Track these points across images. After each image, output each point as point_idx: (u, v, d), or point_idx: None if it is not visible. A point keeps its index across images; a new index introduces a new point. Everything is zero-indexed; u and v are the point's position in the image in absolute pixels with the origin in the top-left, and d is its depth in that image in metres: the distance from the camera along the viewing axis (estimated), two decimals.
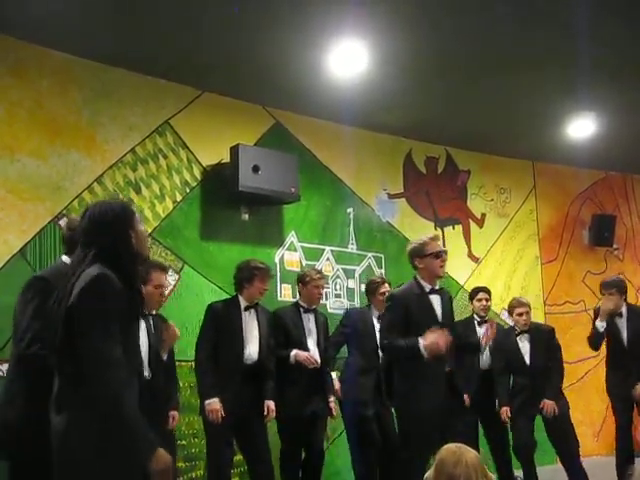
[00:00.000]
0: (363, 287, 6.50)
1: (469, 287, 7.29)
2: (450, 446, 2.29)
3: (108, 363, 2.29)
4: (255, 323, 4.73)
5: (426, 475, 2.30)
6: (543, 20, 4.78)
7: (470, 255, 7.54)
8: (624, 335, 5.70)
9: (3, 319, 4.48)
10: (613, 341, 5.78)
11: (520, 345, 5.60)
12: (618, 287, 5.75)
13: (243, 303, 4.70)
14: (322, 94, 5.86)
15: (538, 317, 7.59)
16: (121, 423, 2.28)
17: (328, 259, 6.43)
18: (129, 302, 2.47)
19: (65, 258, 3.34)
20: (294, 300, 5.42)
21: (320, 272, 5.33)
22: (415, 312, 4.27)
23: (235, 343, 4.59)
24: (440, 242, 4.48)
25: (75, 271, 2.45)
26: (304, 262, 6.23)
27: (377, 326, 5.34)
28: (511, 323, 5.89)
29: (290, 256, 6.17)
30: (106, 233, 2.50)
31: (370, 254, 6.77)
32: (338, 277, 6.46)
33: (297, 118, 6.34)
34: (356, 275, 6.62)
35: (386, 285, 5.47)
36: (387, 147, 7.06)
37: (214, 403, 4.42)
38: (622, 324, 5.73)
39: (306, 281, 5.11)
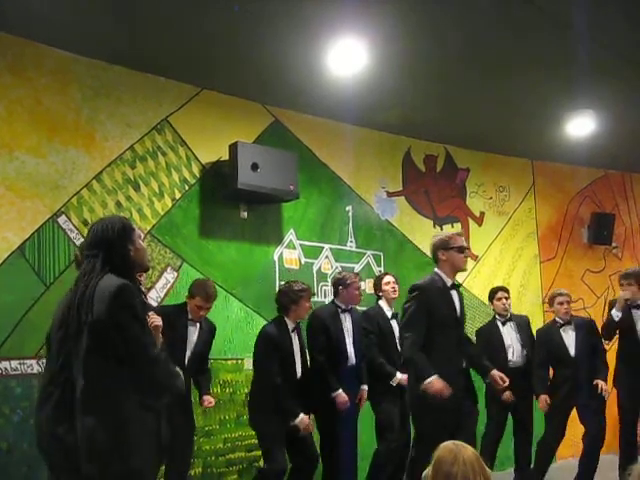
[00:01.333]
0: (362, 285, 6.50)
1: (468, 285, 7.31)
2: (447, 444, 2.29)
3: (157, 361, 2.72)
4: (297, 342, 5.04)
5: (424, 473, 2.29)
6: (543, 19, 4.77)
7: (469, 253, 7.52)
8: (639, 327, 5.71)
9: (2, 317, 4.51)
10: (627, 333, 5.78)
11: (564, 337, 5.69)
12: (637, 278, 5.75)
13: (290, 325, 4.98)
14: (321, 92, 5.85)
15: (537, 315, 7.60)
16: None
17: (327, 257, 6.43)
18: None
19: None
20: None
21: (357, 274, 5.70)
22: (438, 306, 4.29)
23: (288, 364, 4.91)
24: (464, 239, 4.57)
25: (88, 281, 2.71)
26: (303, 260, 6.23)
27: (393, 324, 5.56)
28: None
29: (289, 254, 6.17)
30: (108, 247, 2.80)
31: (369, 252, 6.77)
32: None
33: (296, 116, 6.34)
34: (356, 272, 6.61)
35: (390, 276, 5.73)
36: (386, 145, 7.06)
37: (305, 419, 4.82)
38: (638, 316, 5.73)
39: (347, 283, 5.32)
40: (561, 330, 5.75)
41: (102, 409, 2.60)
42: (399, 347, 5.39)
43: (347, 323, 5.32)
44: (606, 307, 8.13)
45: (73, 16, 4.53)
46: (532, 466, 5.90)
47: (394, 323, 5.53)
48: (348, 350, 5.23)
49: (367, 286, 6.47)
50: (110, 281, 2.67)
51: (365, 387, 5.35)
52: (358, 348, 5.29)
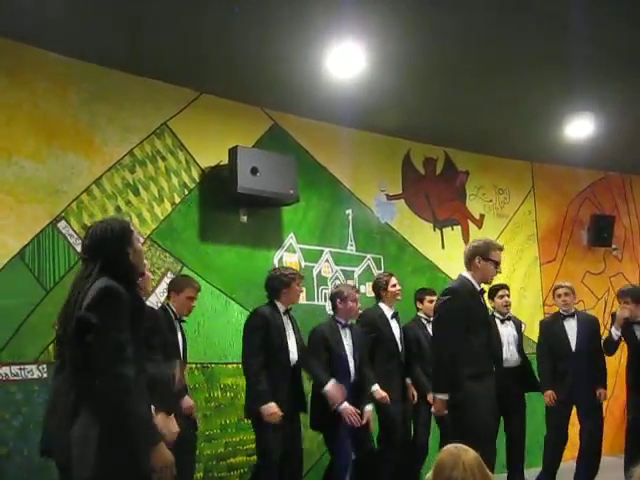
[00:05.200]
0: (362, 288, 6.50)
1: None
2: (449, 447, 2.27)
3: (111, 373, 2.47)
4: (291, 326, 4.94)
5: (426, 476, 2.28)
6: (541, 21, 4.78)
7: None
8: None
9: (2, 322, 4.50)
10: (632, 348, 5.81)
11: (567, 329, 5.76)
12: (633, 296, 5.76)
13: (282, 308, 4.90)
14: (320, 95, 5.86)
15: (537, 318, 7.57)
16: (122, 423, 2.46)
17: (327, 260, 6.42)
18: (134, 310, 2.67)
19: None
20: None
21: (354, 286, 5.52)
22: (471, 308, 4.26)
23: (281, 348, 4.82)
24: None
25: (83, 285, 2.65)
26: (303, 264, 6.22)
27: (393, 325, 5.51)
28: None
29: (289, 258, 6.16)
30: (107, 250, 2.72)
31: (369, 255, 6.76)
32: (337, 278, 6.45)
33: (295, 120, 6.34)
34: (355, 276, 6.61)
35: (394, 278, 5.64)
36: (385, 148, 7.05)
37: (273, 407, 4.59)
38: (639, 330, 5.76)
39: (345, 296, 5.16)
40: (564, 322, 5.78)
41: (88, 409, 2.53)
42: (399, 347, 5.48)
43: (347, 339, 5.17)
44: (606, 308, 8.17)
45: (71, 21, 4.53)
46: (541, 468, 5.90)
47: (394, 323, 5.53)
48: (350, 366, 5.09)
49: (367, 290, 6.46)
50: (102, 282, 2.60)
51: (370, 408, 5.13)
52: (358, 364, 5.14)
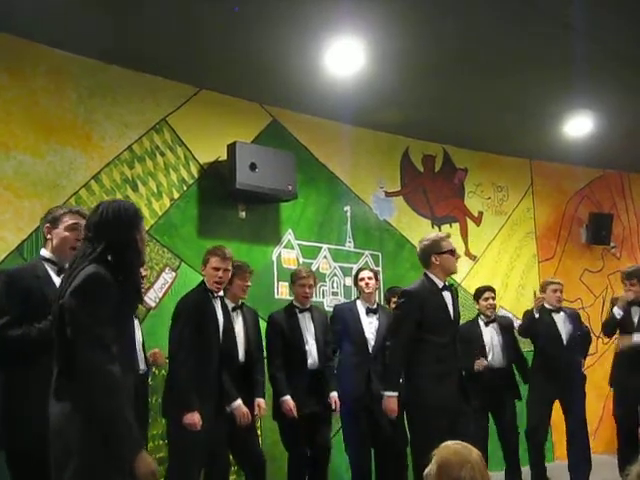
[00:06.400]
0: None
1: (466, 285, 7.30)
2: (452, 445, 2.24)
3: (95, 370, 2.38)
4: (242, 323, 4.81)
5: (426, 471, 2.25)
6: (541, 18, 4.77)
7: (467, 253, 7.52)
8: (635, 325, 5.80)
9: None
10: (625, 330, 5.87)
11: (557, 323, 5.84)
12: (639, 277, 5.89)
13: (230, 304, 4.73)
14: (319, 92, 5.85)
15: None
16: (106, 425, 2.39)
17: (325, 257, 6.41)
18: (126, 300, 2.59)
19: (43, 252, 3.40)
20: (291, 298, 5.40)
21: (310, 270, 5.36)
22: (430, 310, 4.27)
23: (228, 346, 4.62)
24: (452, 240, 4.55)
25: (77, 266, 2.53)
26: (301, 260, 6.22)
27: (365, 319, 5.41)
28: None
29: (287, 254, 6.16)
30: (117, 231, 2.58)
31: (367, 252, 6.75)
32: (335, 275, 6.44)
33: (294, 116, 6.33)
34: (353, 273, 6.58)
35: (365, 272, 5.54)
36: (384, 145, 7.05)
37: (243, 406, 4.52)
38: (635, 314, 5.84)
39: (292, 280, 5.22)
40: (553, 315, 5.82)
41: (68, 399, 2.44)
42: (369, 342, 5.33)
43: (307, 323, 5.10)
44: (604, 306, 8.17)
45: (70, 16, 4.51)
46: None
47: (369, 318, 5.41)
48: (308, 351, 5.01)
49: None
50: (90, 269, 2.46)
51: (335, 394, 5.09)
52: (322, 349, 5.09)
